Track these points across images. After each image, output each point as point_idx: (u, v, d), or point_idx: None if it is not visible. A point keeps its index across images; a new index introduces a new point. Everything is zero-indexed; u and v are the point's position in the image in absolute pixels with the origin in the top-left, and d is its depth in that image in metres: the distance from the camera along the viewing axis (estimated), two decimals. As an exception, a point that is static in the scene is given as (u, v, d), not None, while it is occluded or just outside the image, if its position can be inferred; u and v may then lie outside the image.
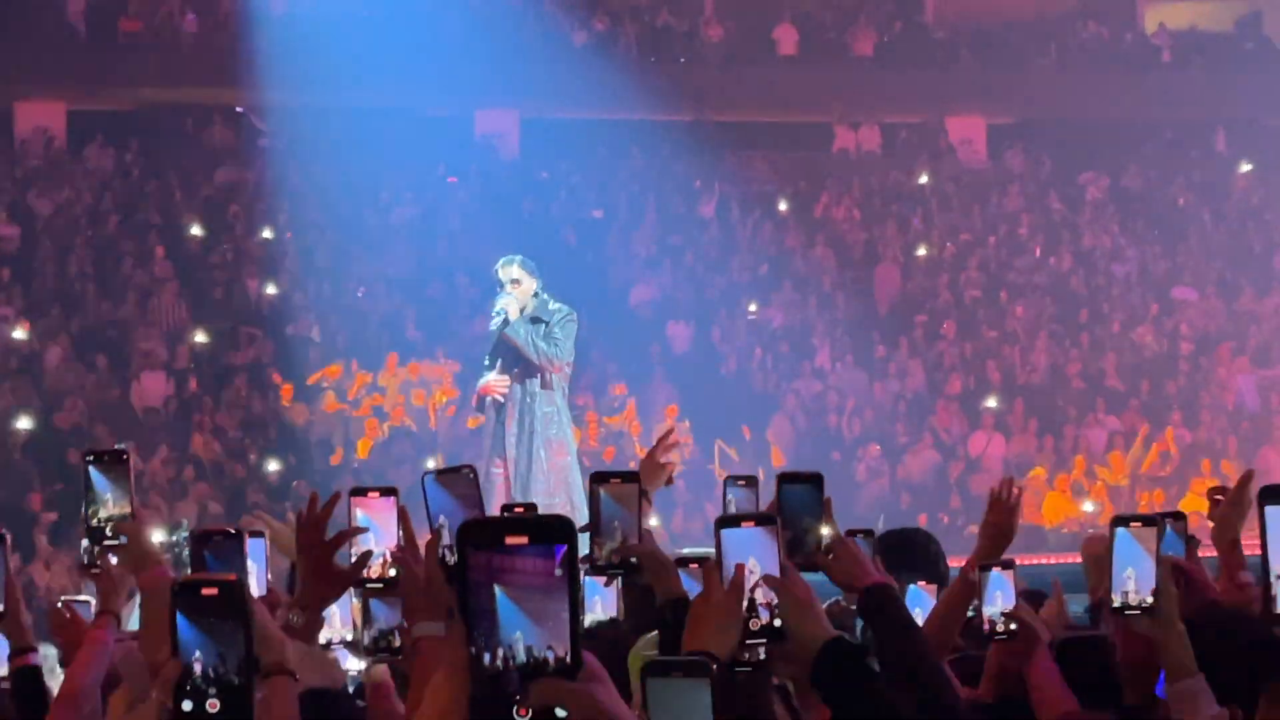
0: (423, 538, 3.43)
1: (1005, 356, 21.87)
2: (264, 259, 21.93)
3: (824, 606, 3.17)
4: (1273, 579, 3.15)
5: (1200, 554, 5.15)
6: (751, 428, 19.92)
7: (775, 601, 2.99)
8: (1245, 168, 26.45)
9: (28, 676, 4.44)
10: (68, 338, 19.87)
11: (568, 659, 1.99)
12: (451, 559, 3.28)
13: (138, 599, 4.19)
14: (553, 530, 1.98)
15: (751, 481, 4.31)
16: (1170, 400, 21.13)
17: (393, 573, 3.58)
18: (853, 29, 27.50)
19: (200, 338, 20.37)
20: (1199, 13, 28.85)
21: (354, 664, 4.62)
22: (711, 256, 23.28)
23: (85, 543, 4.06)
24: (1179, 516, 5.05)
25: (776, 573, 3.01)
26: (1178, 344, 22.34)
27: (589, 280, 20.10)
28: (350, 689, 4.06)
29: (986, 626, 4.29)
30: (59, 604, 4.86)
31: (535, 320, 10.46)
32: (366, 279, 21.73)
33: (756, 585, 2.99)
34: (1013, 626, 4.22)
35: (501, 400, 10.59)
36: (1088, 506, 18.66)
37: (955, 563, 5.37)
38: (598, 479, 3.90)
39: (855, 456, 19.67)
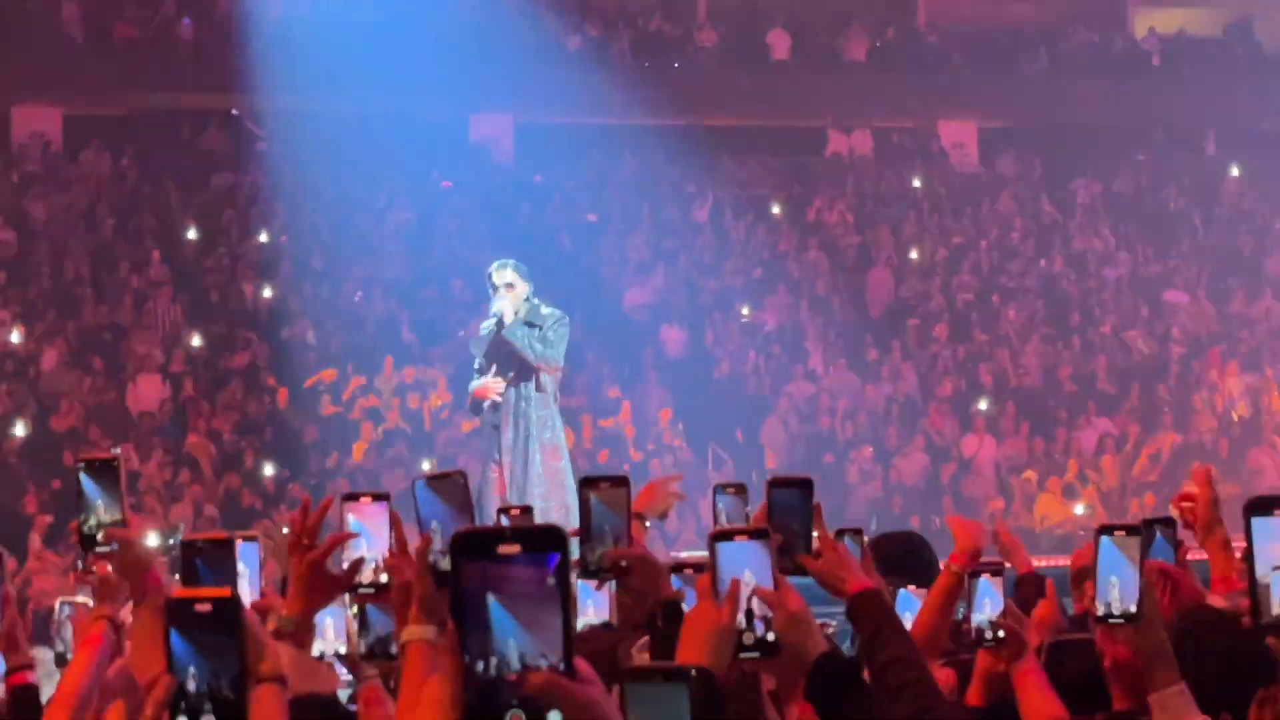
0: (414, 543, 3.46)
1: (997, 359, 21.90)
2: (260, 263, 21.94)
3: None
4: (1259, 588, 3.19)
5: (1191, 556, 5.20)
6: (745, 430, 19.96)
7: (770, 614, 3.02)
8: (1235, 172, 26.50)
9: (24, 695, 4.44)
10: (64, 341, 19.89)
11: (561, 666, 2.02)
12: (443, 565, 3.31)
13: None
14: (545, 539, 1.99)
15: (740, 489, 4.30)
16: (1161, 403, 21.17)
17: (385, 578, 3.59)
18: (845, 33, 27.53)
19: (196, 341, 20.38)
20: (1189, 18, 28.91)
21: (345, 674, 4.63)
22: (705, 260, 23.30)
23: (80, 549, 4.09)
24: (1169, 523, 5.08)
25: (771, 585, 3.02)
26: (1169, 347, 22.38)
27: (583, 284, 20.14)
28: (344, 698, 4.09)
29: (974, 635, 4.30)
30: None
31: (529, 324, 10.48)
32: (362, 283, 21.74)
33: (751, 598, 3.01)
34: (1000, 634, 4.23)
35: (496, 403, 10.61)
36: (1079, 509, 18.70)
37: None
38: (587, 484, 3.91)
39: (848, 459, 19.69)
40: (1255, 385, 21.40)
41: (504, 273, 10.61)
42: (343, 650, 4.26)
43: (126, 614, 4.21)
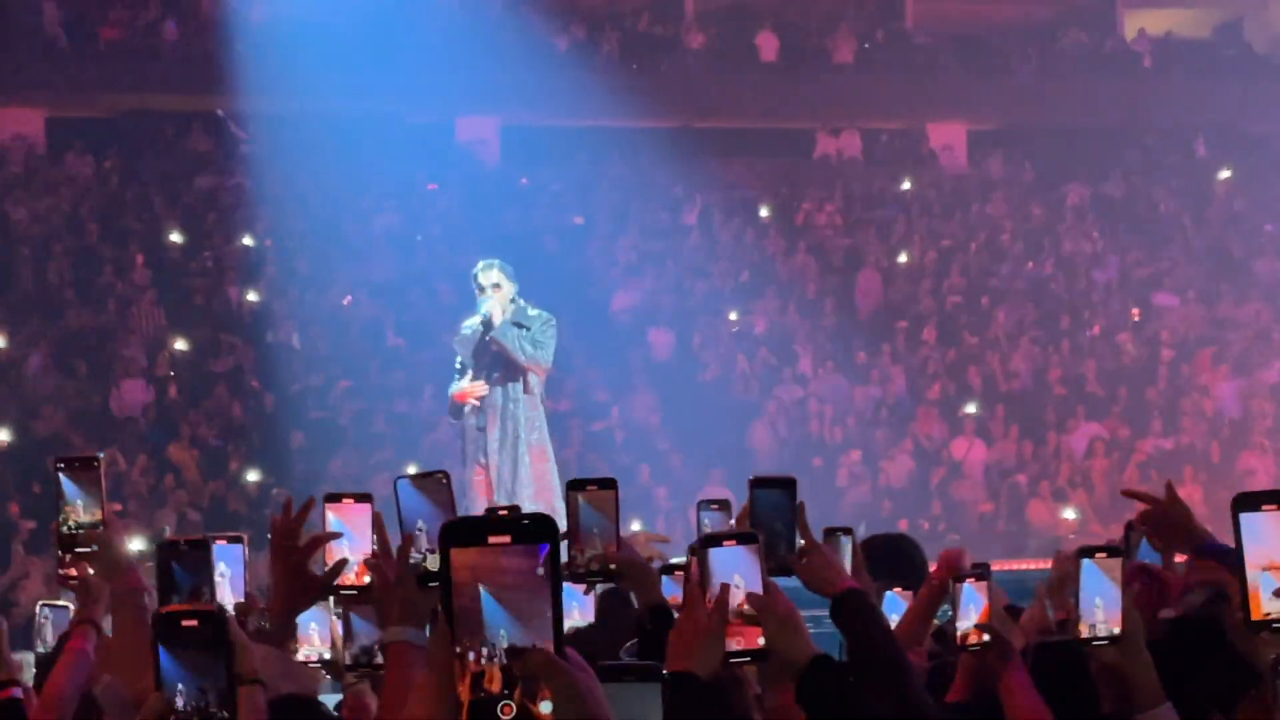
0: (397, 543, 3.41)
1: (987, 362, 21.88)
2: (244, 266, 21.87)
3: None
4: (1250, 586, 3.14)
5: (1179, 558, 5.14)
6: (733, 434, 19.91)
7: (759, 619, 2.99)
8: (1225, 174, 26.53)
9: (9, 710, 4.40)
10: (47, 345, 19.80)
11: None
12: (425, 564, 3.26)
13: None
14: (536, 530, 2.00)
15: (724, 505, 4.27)
16: (1151, 406, 21.16)
17: (368, 579, 3.55)
18: (834, 35, 27.55)
19: (180, 345, 20.30)
20: (1179, 19, 28.97)
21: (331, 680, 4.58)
22: (693, 263, 23.27)
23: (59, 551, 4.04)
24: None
25: (760, 590, 3.00)
26: (1158, 350, 22.37)
27: (570, 287, 20.08)
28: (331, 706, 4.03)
29: (960, 640, 4.27)
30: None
31: (517, 325, 10.44)
32: (347, 286, 21.67)
33: (741, 604, 3.00)
34: (985, 638, 4.20)
35: (478, 405, 10.55)
36: (1069, 513, 18.67)
37: (938, 570, 5.38)
38: (575, 486, 3.89)
39: (837, 463, 19.66)
40: (1245, 388, 21.41)
41: (490, 273, 10.59)
42: (328, 655, 4.21)
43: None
